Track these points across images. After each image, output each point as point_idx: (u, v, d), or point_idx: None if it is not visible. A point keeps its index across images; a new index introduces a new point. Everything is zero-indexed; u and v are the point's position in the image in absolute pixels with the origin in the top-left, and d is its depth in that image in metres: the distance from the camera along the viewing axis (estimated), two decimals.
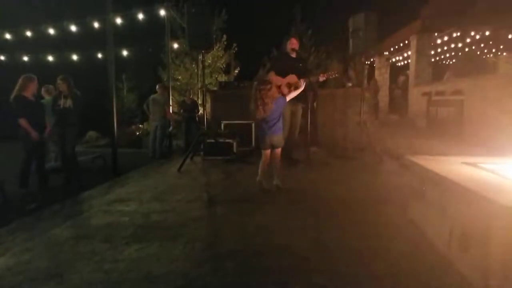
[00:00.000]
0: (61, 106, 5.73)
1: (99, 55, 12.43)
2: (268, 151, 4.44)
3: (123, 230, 3.14)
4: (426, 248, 2.63)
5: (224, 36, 14.12)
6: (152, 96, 8.97)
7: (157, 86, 9.11)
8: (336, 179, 4.86)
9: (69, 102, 5.75)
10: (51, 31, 10.89)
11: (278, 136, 4.39)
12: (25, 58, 13.03)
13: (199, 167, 6.30)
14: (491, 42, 13.63)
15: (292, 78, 5.74)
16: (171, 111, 9.06)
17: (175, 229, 3.17)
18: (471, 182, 2.28)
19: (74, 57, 12.70)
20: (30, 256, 2.65)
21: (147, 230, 3.15)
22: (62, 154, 6.05)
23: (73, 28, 10.66)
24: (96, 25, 10.29)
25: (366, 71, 13.31)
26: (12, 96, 5.31)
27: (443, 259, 2.43)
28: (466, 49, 14.90)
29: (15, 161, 5.39)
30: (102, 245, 2.80)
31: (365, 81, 12.70)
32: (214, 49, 12.98)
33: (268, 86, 4.22)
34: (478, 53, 15.26)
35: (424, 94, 9.75)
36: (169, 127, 8.84)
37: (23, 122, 5.20)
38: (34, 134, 5.24)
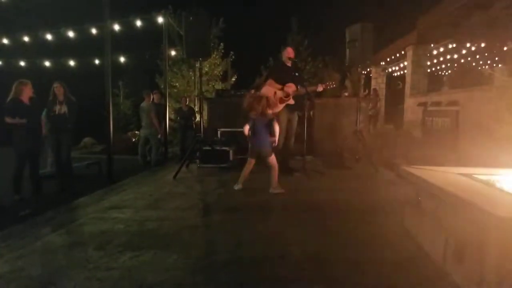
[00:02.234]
0: (56, 112, 5.71)
1: (96, 61, 12.42)
2: (253, 160, 4.88)
3: (117, 237, 3.11)
4: (421, 258, 2.62)
5: (222, 44, 14.19)
6: (141, 104, 9.01)
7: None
8: (332, 188, 4.85)
9: (64, 108, 5.74)
10: (48, 36, 10.89)
11: (265, 148, 4.75)
12: (22, 64, 13.00)
13: (195, 174, 6.28)
14: (486, 54, 13.79)
15: (290, 87, 5.79)
16: (158, 119, 8.99)
17: (170, 237, 3.15)
18: (466, 193, 2.28)
19: (71, 63, 12.68)
20: (23, 264, 2.61)
21: (142, 238, 3.12)
22: (56, 160, 6.00)
23: (71, 34, 10.66)
24: (93, 31, 10.29)
25: (362, 81, 13.41)
26: (8, 100, 5.30)
27: (438, 270, 2.42)
28: (462, 61, 15.06)
29: (9, 167, 5.35)
30: (96, 253, 2.77)
31: (362, 91, 12.81)
32: (211, 57, 13.03)
33: (259, 97, 4.76)
34: (474, 64, 15.43)
35: (420, 104, 9.80)
36: (158, 135, 8.80)
37: (8, 119, 5.17)
38: (20, 122, 5.18)
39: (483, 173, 2.95)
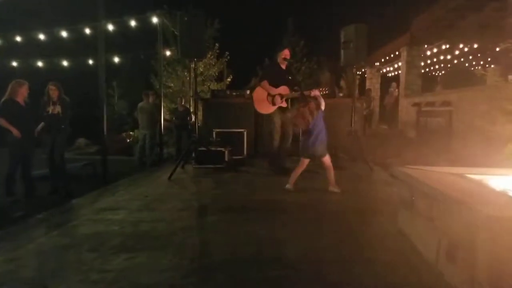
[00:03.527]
0: (50, 112, 5.68)
1: (90, 62, 12.35)
2: (307, 161, 4.77)
3: (111, 239, 3.09)
4: (414, 258, 2.63)
5: (217, 44, 14.17)
6: (139, 104, 8.97)
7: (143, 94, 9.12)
8: (326, 189, 4.86)
9: (58, 109, 5.71)
10: (42, 36, 10.81)
11: (319, 148, 4.67)
12: (14, 64, 12.90)
13: (190, 175, 6.26)
14: (479, 55, 13.89)
15: (284, 89, 5.80)
16: (162, 119, 9.01)
17: (164, 238, 3.14)
18: (459, 193, 2.30)
19: (65, 63, 12.60)
20: (16, 266, 2.59)
21: (136, 240, 3.11)
22: (50, 161, 5.96)
23: (64, 34, 10.59)
24: (87, 31, 10.24)
25: (357, 82, 13.43)
26: (2, 100, 5.26)
27: (432, 270, 2.43)
28: (455, 61, 15.15)
29: (2, 169, 5.31)
30: (90, 255, 2.75)
31: (357, 91, 12.83)
32: (207, 58, 13.02)
33: (303, 105, 4.74)
34: (467, 65, 15.53)
35: (414, 104, 9.86)
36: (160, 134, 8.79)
37: (2, 121, 5.14)
38: (15, 131, 5.17)
39: (476, 173, 2.97)
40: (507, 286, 1.84)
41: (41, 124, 5.75)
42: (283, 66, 5.98)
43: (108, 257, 2.70)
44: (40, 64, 12.77)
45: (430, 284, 2.28)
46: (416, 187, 2.89)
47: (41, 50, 11.97)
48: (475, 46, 12.54)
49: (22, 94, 5.39)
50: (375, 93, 16.25)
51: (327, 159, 4.73)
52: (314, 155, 4.70)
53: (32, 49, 11.81)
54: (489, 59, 14.27)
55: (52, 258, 2.75)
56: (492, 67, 14.37)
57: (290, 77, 5.97)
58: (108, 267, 2.53)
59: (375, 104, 15.59)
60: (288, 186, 4.84)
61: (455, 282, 2.16)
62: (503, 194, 2.31)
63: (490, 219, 1.83)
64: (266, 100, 5.88)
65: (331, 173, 4.77)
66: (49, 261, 2.69)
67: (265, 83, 5.90)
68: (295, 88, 5.84)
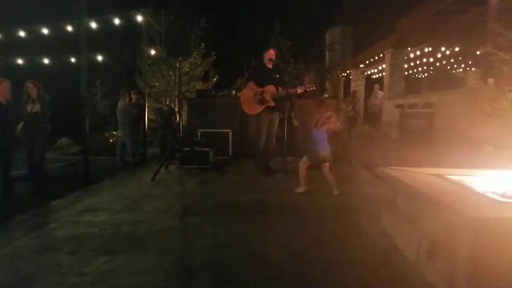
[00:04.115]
0: (28, 111, 5.54)
1: (73, 60, 12.13)
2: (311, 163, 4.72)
3: (91, 241, 3.03)
4: (396, 258, 2.65)
5: (203, 44, 14.09)
6: (118, 104, 8.88)
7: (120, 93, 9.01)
8: (311, 189, 4.86)
9: (37, 107, 5.56)
10: (22, 33, 10.57)
11: (328, 153, 4.66)
12: None
13: (174, 176, 6.20)
14: (460, 58, 14.15)
15: (270, 89, 5.79)
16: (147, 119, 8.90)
17: (146, 240, 3.08)
18: (439, 193, 2.34)
19: (46, 61, 12.33)
20: None
21: (117, 242, 3.05)
22: (29, 161, 5.81)
23: (46, 31, 10.37)
24: (70, 28, 10.05)
25: (342, 83, 13.52)
26: None
27: (413, 269, 2.45)
28: (437, 64, 15.40)
29: None
30: (69, 258, 2.69)
31: (342, 93, 12.93)
32: (192, 57, 12.92)
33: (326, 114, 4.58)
34: (448, 68, 15.81)
35: (397, 106, 9.98)
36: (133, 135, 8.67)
37: None
38: None
39: (456, 174, 3.01)
40: (486, 286, 1.86)
41: (21, 124, 5.60)
42: (270, 66, 5.98)
43: (87, 260, 2.64)
44: (20, 61, 12.47)
45: (411, 283, 2.30)
46: (398, 187, 2.92)
47: (21, 47, 11.70)
48: (457, 49, 12.77)
49: (2, 92, 5.24)
50: (360, 94, 16.40)
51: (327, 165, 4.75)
52: (325, 160, 4.67)
53: (12, 46, 11.53)
54: (470, 62, 14.54)
55: (30, 261, 2.67)
56: (473, 70, 14.65)
57: (277, 76, 5.97)
58: (87, 270, 2.47)
59: (360, 105, 15.74)
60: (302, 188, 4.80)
61: (436, 281, 2.18)
62: (482, 195, 2.34)
63: (470, 219, 1.86)
64: (253, 100, 5.86)
65: (334, 176, 4.77)
66: (27, 264, 2.61)
67: (251, 83, 5.89)
68: (282, 86, 5.84)
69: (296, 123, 5.19)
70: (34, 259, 2.70)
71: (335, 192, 4.63)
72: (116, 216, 3.79)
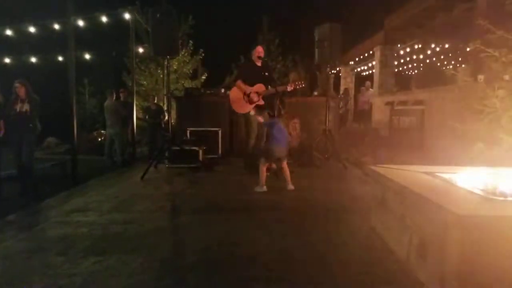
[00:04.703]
0: (18, 110, 5.47)
1: (60, 58, 11.98)
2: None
3: (80, 242, 3.00)
4: (386, 256, 2.67)
5: (191, 42, 14.02)
6: (105, 103, 8.82)
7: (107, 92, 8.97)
8: (301, 187, 4.88)
9: (26, 107, 5.50)
10: (8, 32, 10.41)
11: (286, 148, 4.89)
12: None
13: (163, 175, 6.17)
14: (450, 55, 14.26)
15: (259, 87, 5.78)
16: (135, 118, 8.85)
17: (135, 240, 3.07)
18: (428, 191, 2.35)
19: (33, 60, 12.17)
20: None
21: (106, 242, 3.02)
22: (17, 161, 5.74)
23: (32, 29, 10.23)
24: (57, 26, 9.92)
25: (332, 80, 13.56)
26: None
27: (403, 267, 2.47)
28: (427, 61, 15.52)
29: None
30: (58, 258, 2.66)
31: (331, 90, 12.98)
32: (180, 55, 12.86)
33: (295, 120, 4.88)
34: (438, 64, 15.94)
35: (387, 103, 10.04)
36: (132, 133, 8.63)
37: None
38: None
39: (445, 171, 3.03)
40: (476, 283, 1.88)
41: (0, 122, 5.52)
42: (258, 64, 5.97)
43: (76, 261, 2.61)
44: (6, 60, 12.29)
45: (401, 282, 2.31)
46: (388, 185, 2.94)
47: (5, 46, 11.51)
48: (446, 46, 12.88)
49: None
50: (350, 92, 16.48)
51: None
52: (281, 157, 4.82)
53: None
54: (459, 59, 14.67)
55: (18, 262, 2.64)
56: (463, 67, 14.78)
57: (266, 74, 5.96)
58: (76, 271, 2.45)
59: (351, 103, 15.82)
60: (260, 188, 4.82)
61: (426, 279, 2.20)
62: (472, 192, 2.36)
63: (460, 217, 1.87)
64: (242, 99, 5.85)
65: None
66: (15, 265, 2.58)
67: (239, 82, 5.87)
68: (271, 84, 5.84)
69: (260, 119, 5.19)
70: (22, 260, 2.67)
71: (289, 187, 4.78)
72: (105, 216, 3.76)
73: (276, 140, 4.75)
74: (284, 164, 4.86)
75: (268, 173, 5.81)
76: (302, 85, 5.96)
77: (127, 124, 8.89)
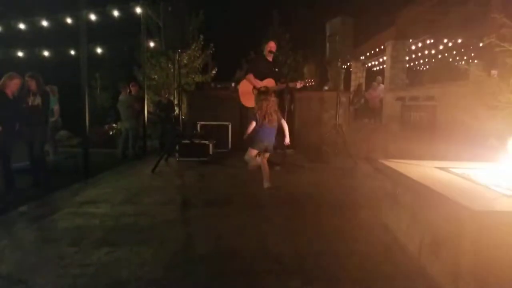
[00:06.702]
0: (30, 104, 5.53)
1: (72, 52, 12.07)
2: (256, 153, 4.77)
3: (92, 233, 3.04)
4: (398, 251, 2.66)
5: (201, 36, 14.01)
6: (119, 97, 8.86)
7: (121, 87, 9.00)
8: (311, 182, 4.87)
9: (37, 100, 5.55)
10: (22, 26, 10.51)
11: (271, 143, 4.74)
12: None
13: (174, 168, 6.20)
14: (463, 50, 14.04)
15: (269, 82, 5.77)
16: (146, 112, 8.90)
17: (146, 232, 3.10)
18: (441, 187, 2.32)
19: (46, 54, 12.29)
20: None
21: (118, 233, 3.06)
22: (30, 154, 5.81)
23: (45, 23, 10.32)
24: (69, 21, 10.00)
25: (342, 75, 13.46)
26: None
27: (415, 263, 2.45)
28: (439, 56, 15.30)
29: None
30: (70, 249, 2.70)
31: (342, 85, 12.89)
32: (191, 49, 12.86)
33: (272, 99, 4.63)
34: (451, 60, 15.70)
35: (398, 99, 9.93)
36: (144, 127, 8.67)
37: None
38: None
39: (458, 167, 2.99)
40: (492, 280, 1.85)
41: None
42: (269, 59, 5.95)
43: (88, 252, 2.65)
44: (20, 54, 12.42)
45: (413, 278, 2.30)
46: (400, 181, 2.91)
47: (19, 39, 11.64)
48: (459, 41, 12.68)
49: (10, 87, 5.26)
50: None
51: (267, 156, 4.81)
52: (268, 149, 4.73)
53: (11, 38, 11.46)
54: (472, 54, 14.44)
55: (32, 252, 2.69)
56: (476, 62, 14.54)
57: (276, 69, 5.95)
58: (88, 262, 2.49)
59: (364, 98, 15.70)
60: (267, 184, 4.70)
61: (438, 275, 2.18)
62: (486, 188, 2.33)
63: (474, 213, 1.84)
64: (251, 93, 5.84)
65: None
66: (28, 255, 2.63)
67: (250, 76, 5.87)
68: (281, 80, 5.83)
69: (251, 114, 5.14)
70: (35, 250, 2.72)
71: (265, 185, 4.60)
72: (116, 208, 3.80)
73: (263, 134, 4.68)
74: (266, 157, 4.76)
75: (278, 167, 5.83)
76: (311, 82, 5.94)
77: (139, 118, 8.93)
